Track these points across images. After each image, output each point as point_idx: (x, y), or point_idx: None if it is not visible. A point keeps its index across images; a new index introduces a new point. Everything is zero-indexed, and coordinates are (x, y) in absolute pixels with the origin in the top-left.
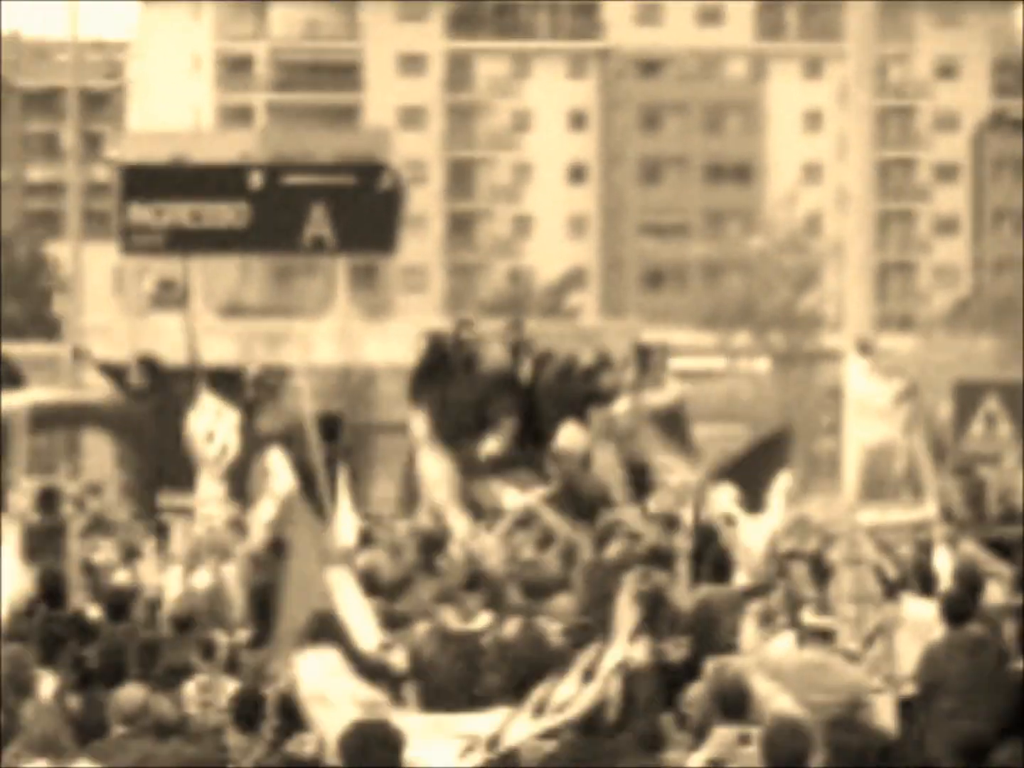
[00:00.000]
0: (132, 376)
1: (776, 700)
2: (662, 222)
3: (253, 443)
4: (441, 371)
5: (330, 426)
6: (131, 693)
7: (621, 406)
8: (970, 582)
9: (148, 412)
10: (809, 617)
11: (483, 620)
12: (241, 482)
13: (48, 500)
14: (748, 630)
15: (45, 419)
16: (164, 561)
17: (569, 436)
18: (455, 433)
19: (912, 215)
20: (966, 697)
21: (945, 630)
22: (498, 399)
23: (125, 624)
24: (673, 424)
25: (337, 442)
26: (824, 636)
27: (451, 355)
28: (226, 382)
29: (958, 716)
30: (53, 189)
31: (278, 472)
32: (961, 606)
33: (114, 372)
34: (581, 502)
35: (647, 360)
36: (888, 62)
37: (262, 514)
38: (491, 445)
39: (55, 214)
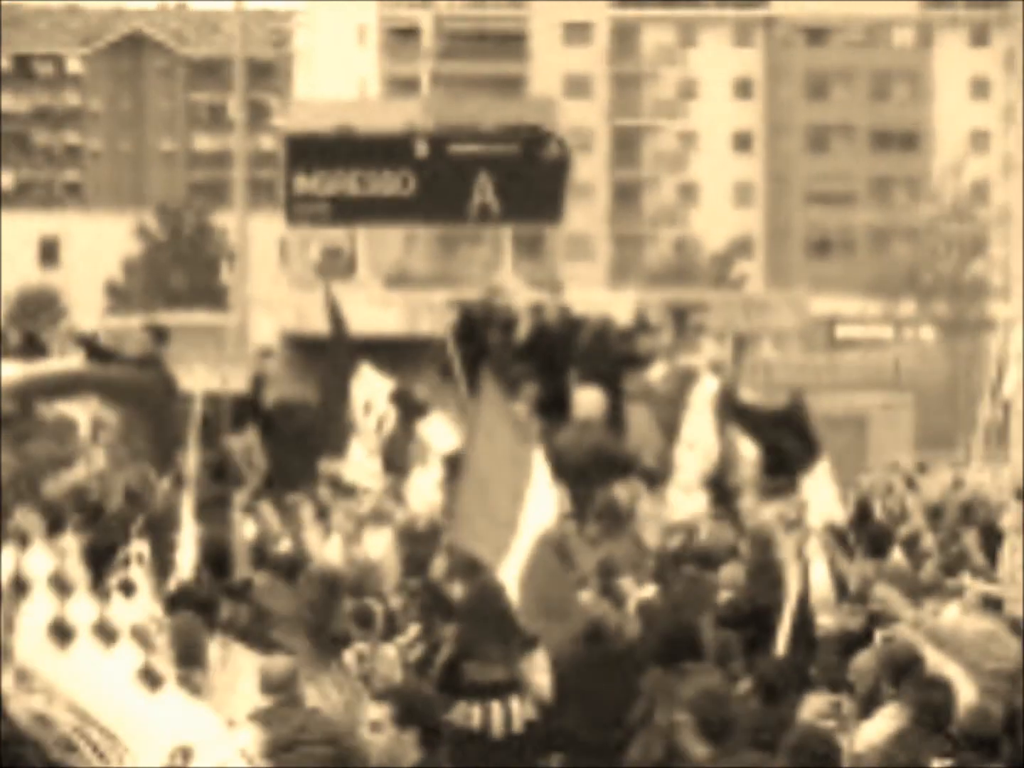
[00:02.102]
0: (139, 344)
1: (946, 668)
2: (828, 190)
3: (407, 413)
4: (474, 340)
5: None
6: (278, 662)
7: (657, 371)
8: None
9: (155, 380)
10: (978, 584)
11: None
12: (393, 452)
13: (217, 469)
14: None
15: (41, 390)
16: (325, 530)
17: (587, 403)
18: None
19: None
20: None
21: None
22: (521, 365)
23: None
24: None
25: None
26: (993, 604)
27: (482, 323)
28: (386, 352)
29: None
30: (219, 159)
31: (440, 433)
32: None
33: (87, 343)
34: (615, 467)
35: (683, 323)
36: None
37: (421, 479)
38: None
39: (221, 184)
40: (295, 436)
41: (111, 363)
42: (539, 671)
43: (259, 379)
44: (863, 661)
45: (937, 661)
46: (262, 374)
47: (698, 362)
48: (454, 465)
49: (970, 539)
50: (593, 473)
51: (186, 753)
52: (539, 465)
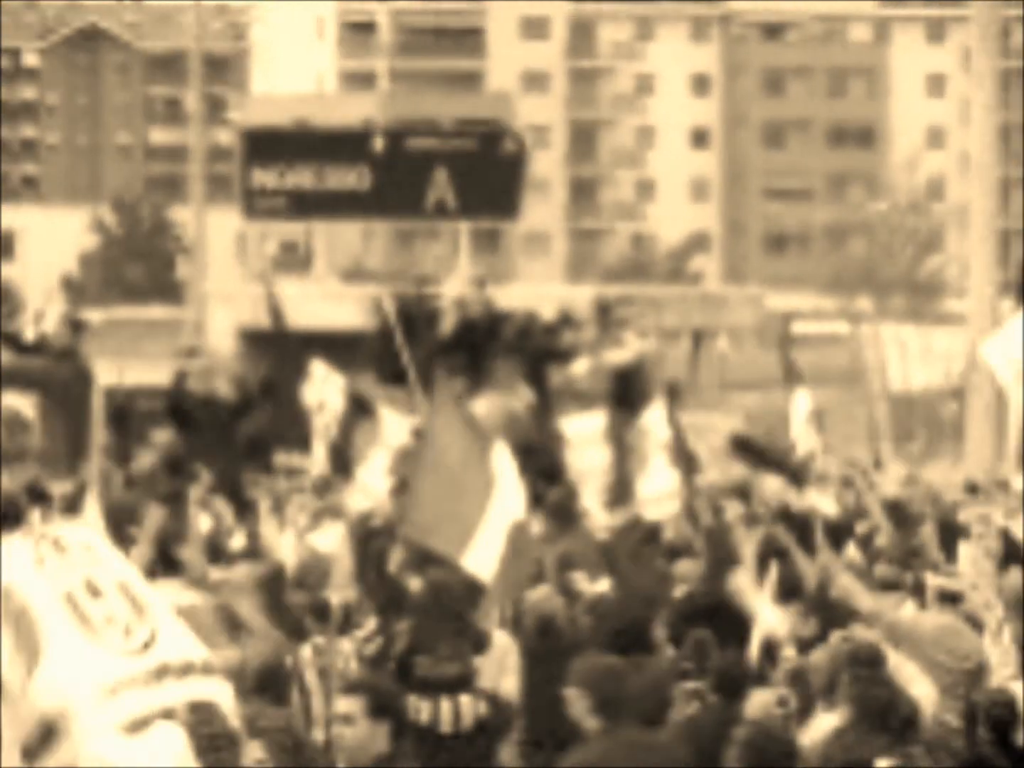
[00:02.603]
0: (57, 336)
1: (905, 668)
2: (785, 186)
3: (359, 408)
4: (404, 331)
5: None
6: (227, 656)
7: (581, 365)
8: None
9: (72, 372)
10: (936, 579)
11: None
12: (346, 447)
13: (173, 463)
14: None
15: None
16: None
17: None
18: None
19: None
20: None
21: None
22: (445, 359)
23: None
24: (633, 382)
25: None
26: (950, 599)
27: (412, 316)
28: (343, 346)
29: None
30: (176, 153)
31: (391, 427)
32: None
33: (11, 339)
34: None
35: (607, 318)
36: (1011, 24)
37: (374, 472)
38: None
39: (178, 178)
40: (218, 433)
41: (30, 356)
42: (508, 672)
43: (180, 377)
44: (818, 658)
45: (897, 661)
46: (184, 372)
47: (622, 357)
48: (405, 459)
49: (927, 534)
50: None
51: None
52: (502, 457)
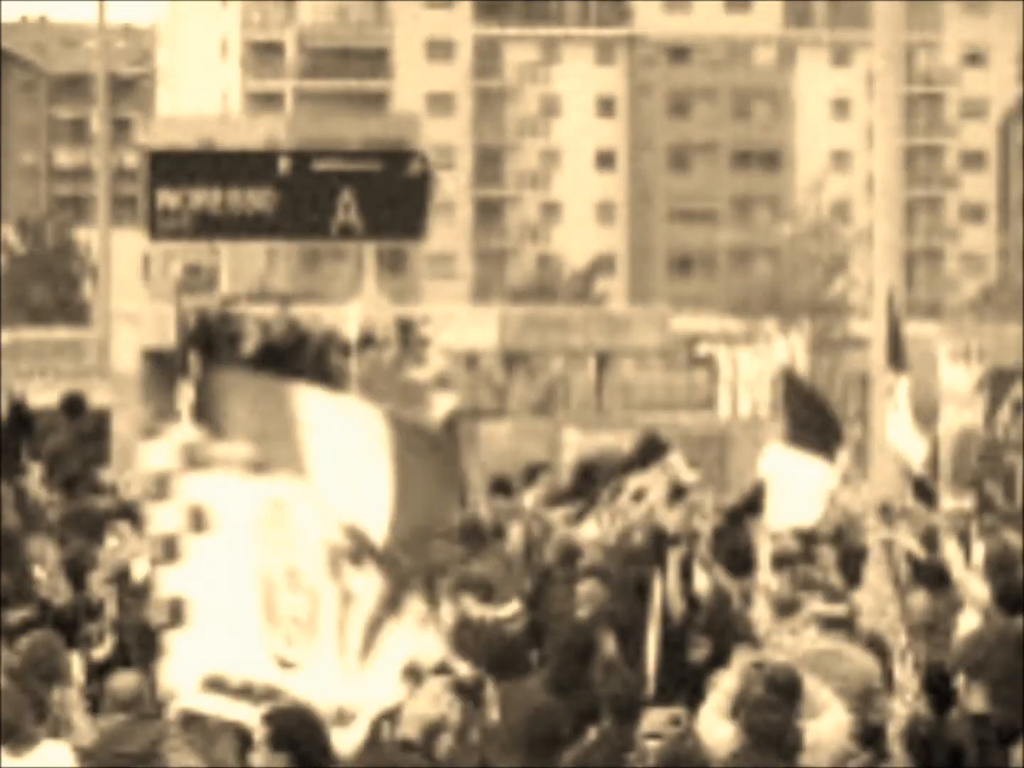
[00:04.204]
0: None
1: (820, 695)
2: (690, 208)
3: None
4: (204, 349)
5: None
6: (126, 679)
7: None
8: (1016, 571)
9: None
10: (820, 605)
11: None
12: None
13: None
14: (763, 618)
15: None
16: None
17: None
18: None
19: (939, 203)
20: (1004, 686)
21: (995, 618)
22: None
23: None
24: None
25: None
26: (840, 623)
27: (215, 332)
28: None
29: (993, 703)
30: (81, 174)
31: None
32: (1019, 596)
33: None
34: None
35: (409, 336)
36: (916, 49)
37: None
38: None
39: (83, 199)
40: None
41: None
42: (491, 705)
43: (16, 404)
44: (727, 682)
45: (813, 687)
46: (21, 398)
47: (424, 376)
48: None
49: (826, 557)
50: None
51: None
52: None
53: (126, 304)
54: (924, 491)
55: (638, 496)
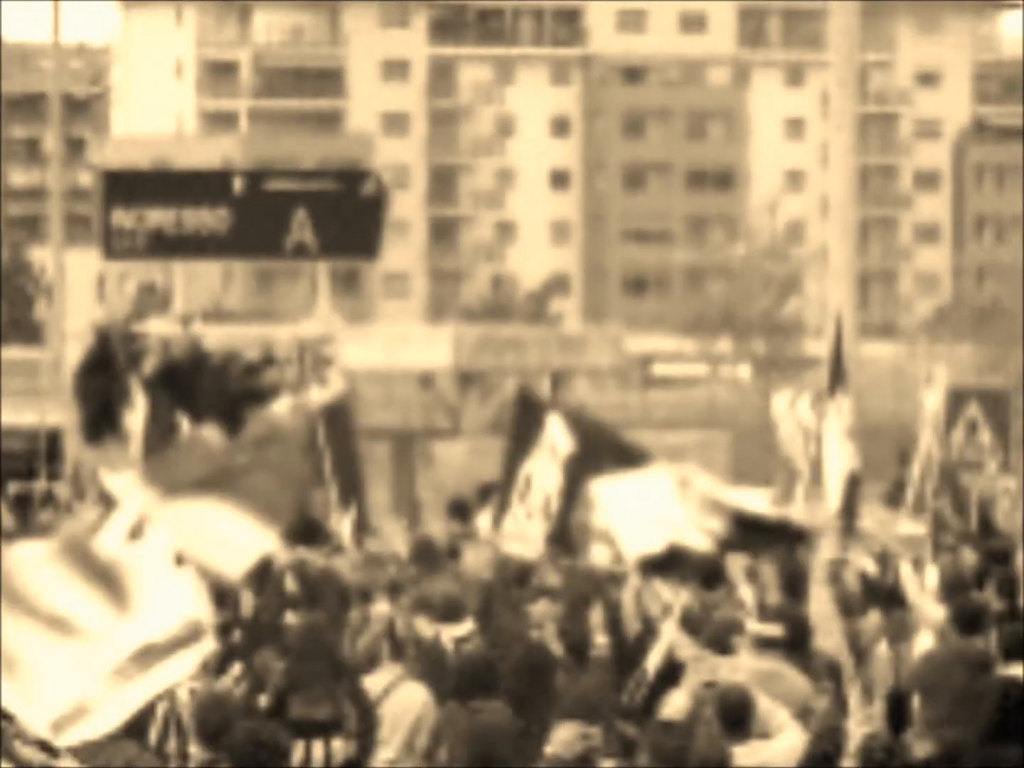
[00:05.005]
0: None
1: (775, 715)
2: (645, 228)
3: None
4: (107, 367)
5: None
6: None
7: (282, 404)
8: (971, 591)
9: None
10: (753, 624)
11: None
12: None
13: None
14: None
15: None
16: None
17: None
18: (113, 430)
19: (894, 223)
20: (958, 706)
21: (950, 638)
22: (150, 398)
23: None
24: (339, 421)
25: None
26: (772, 644)
27: (117, 351)
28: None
29: (947, 724)
30: (35, 194)
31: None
32: (974, 616)
33: None
34: None
35: (310, 356)
36: (870, 70)
37: None
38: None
39: (37, 219)
40: None
41: None
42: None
43: None
44: (677, 701)
45: (768, 707)
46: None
47: (325, 396)
48: None
49: (768, 575)
50: None
51: None
52: None
53: (80, 324)
54: (849, 511)
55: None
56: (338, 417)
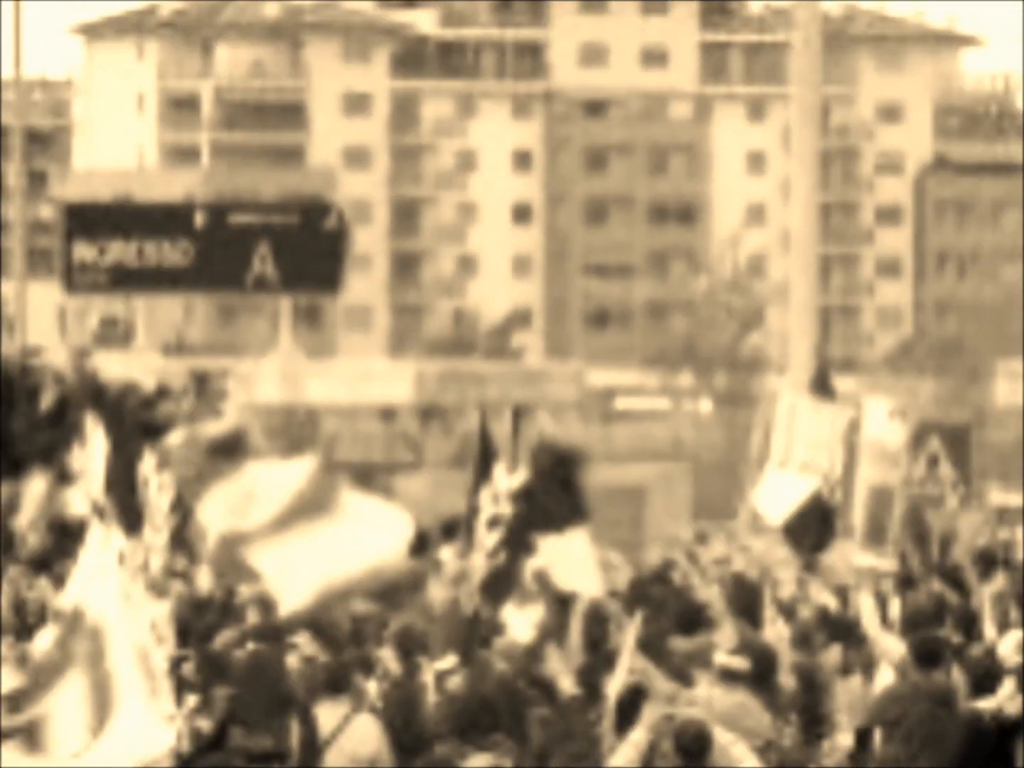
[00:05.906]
0: None
1: (734, 749)
2: (606, 262)
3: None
4: (3, 399)
5: None
6: None
7: (176, 437)
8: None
9: None
10: (721, 657)
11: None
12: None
13: None
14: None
15: None
16: None
17: None
18: (12, 466)
19: (855, 258)
20: (921, 742)
21: (910, 674)
22: (46, 433)
23: None
24: (233, 456)
25: None
26: (737, 677)
27: (15, 383)
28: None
29: (910, 759)
30: None
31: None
32: (933, 651)
33: None
34: None
35: (205, 389)
36: (831, 105)
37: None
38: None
39: None
40: None
41: None
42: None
43: None
44: (638, 736)
45: (726, 740)
46: None
47: (219, 429)
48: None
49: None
50: None
51: None
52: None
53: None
54: (793, 541)
55: None
56: (232, 452)
